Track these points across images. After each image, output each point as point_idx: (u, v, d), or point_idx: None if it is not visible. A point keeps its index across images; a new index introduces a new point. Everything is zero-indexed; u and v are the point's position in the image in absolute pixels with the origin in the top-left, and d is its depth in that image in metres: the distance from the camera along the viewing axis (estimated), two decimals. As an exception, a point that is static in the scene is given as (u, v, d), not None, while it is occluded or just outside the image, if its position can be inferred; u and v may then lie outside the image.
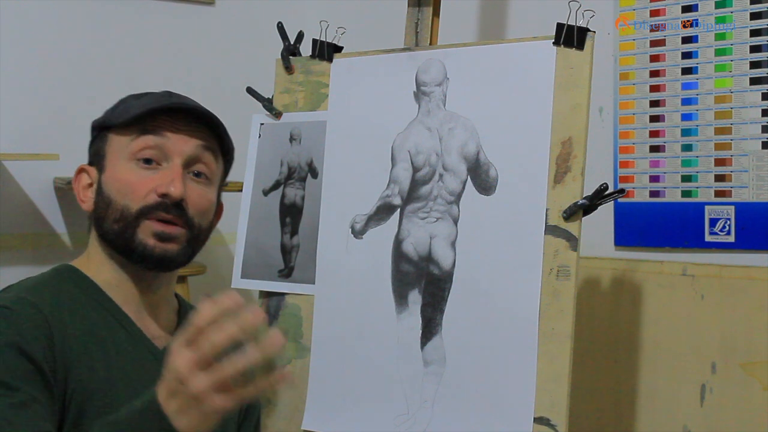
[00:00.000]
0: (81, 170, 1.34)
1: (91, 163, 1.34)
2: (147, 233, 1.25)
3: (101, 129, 1.33)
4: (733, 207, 1.79)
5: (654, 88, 1.89)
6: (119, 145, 1.29)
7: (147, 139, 1.28)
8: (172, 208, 1.26)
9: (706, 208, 1.82)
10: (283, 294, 1.80)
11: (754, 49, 1.76)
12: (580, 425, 1.83)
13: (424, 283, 1.64)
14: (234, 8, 2.49)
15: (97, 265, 1.30)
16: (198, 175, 1.31)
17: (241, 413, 1.46)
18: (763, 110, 1.75)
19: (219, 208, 1.40)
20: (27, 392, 1.10)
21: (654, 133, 1.89)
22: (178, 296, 1.44)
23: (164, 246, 1.26)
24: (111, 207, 1.27)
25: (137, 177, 1.27)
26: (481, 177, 1.60)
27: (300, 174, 1.81)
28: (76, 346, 1.20)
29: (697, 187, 1.83)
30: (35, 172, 2.16)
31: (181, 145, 1.29)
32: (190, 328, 0.95)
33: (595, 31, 1.52)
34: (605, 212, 1.82)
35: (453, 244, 1.62)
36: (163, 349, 1.28)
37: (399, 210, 1.68)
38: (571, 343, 1.47)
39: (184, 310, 1.41)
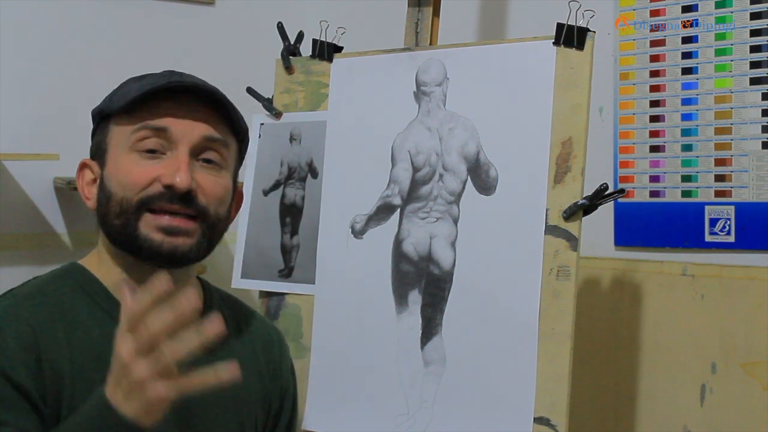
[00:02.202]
0: (83, 165, 1.24)
1: (93, 157, 1.24)
2: (150, 227, 1.14)
3: (102, 118, 1.23)
4: (733, 207, 1.79)
5: (654, 88, 1.89)
6: (120, 136, 1.19)
7: (148, 127, 1.17)
8: (178, 199, 1.14)
9: (706, 208, 1.82)
10: (283, 294, 1.80)
11: (754, 49, 1.76)
12: (580, 425, 1.83)
13: (424, 283, 1.64)
14: (234, 8, 2.49)
15: (107, 267, 1.21)
16: (208, 161, 1.20)
17: (269, 421, 1.36)
18: (763, 110, 1.75)
19: (238, 196, 1.28)
20: (13, 424, 1.05)
21: (654, 133, 1.89)
22: (204, 285, 1.33)
23: (173, 240, 1.15)
24: (111, 201, 1.17)
25: (139, 167, 1.16)
26: (481, 177, 1.60)
27: (300, 174, 1.81)
28: (70, 365, 1.12)
29: (697, 187, 1.83)
30: (35, 172, 2.15)
31: (187, 131, 1.17)
32: (130, 314, 0.92)
33: (595, 31, 1.52)
34: (605, 212, 1.81)
35: (453, 244, 1.61)
36: None
37: (399, 210, 1.68)
38: (571, 343, 1.47)
39: (208, 304, 1.30)
